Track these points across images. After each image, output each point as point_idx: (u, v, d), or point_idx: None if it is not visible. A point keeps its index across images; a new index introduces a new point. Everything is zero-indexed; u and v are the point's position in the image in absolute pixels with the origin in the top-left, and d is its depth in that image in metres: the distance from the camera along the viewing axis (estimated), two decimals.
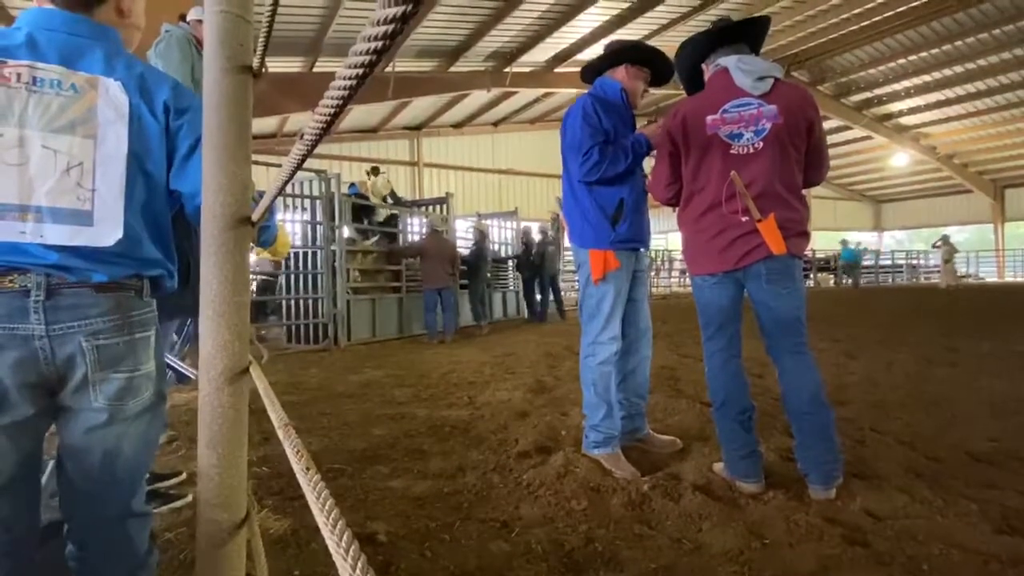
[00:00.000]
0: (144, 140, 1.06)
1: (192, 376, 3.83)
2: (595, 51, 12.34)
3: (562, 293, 10.25)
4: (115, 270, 1.04)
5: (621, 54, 2.44)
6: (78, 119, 0.99)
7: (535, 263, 9.43)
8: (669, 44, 12.52)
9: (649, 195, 2.45)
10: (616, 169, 2.27)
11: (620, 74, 2.44)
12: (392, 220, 9.08)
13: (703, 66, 2.21)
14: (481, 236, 8.81)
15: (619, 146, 2.29)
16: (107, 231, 1.02)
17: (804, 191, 2.12)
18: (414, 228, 9.42)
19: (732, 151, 2.03)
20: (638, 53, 2.46)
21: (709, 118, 2.06)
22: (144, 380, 1.08)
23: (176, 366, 3.85)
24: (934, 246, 16.90)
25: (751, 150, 2.01)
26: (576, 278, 2.99)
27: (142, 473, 1.13)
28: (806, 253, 2.17)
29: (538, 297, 9.72)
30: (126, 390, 1.04)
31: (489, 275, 8.74)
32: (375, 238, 8.18)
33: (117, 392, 1.03)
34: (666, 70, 2.50)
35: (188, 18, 3.48)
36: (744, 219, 1.98)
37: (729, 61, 2.07)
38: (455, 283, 7.61)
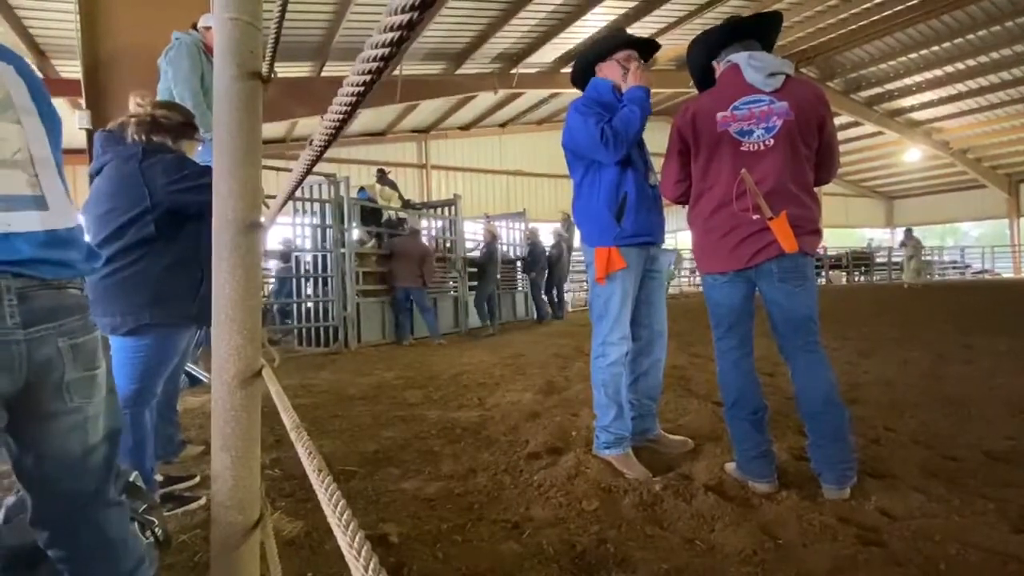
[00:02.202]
0: (45, 124, 1.06)
1: (205, 379, 3.88)
2: None
3: (565, 294, 10.31)
4: (75, 258, 1.04)
5: (599, 53, 2.42)
6: (1, 105, 0.99)
7: (550, 263, 9.46)
8: (676, 42, 12.50)
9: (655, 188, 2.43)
10: (634, 127, 2.21)
11: (607, 71, 2.41)
12: (401, 223, 9.11)
13: (714, 63, 2.20)
14: (492, 238, 8.81)
15: (621, 111, 2.25)
16: (62, 214, 1.03)
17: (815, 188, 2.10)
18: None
19: (742, 148, 2.01)
20: (612, 44, 2.42)
21: (719, 115, 2.04)
22: (103, 375, 1.10)
23: (190, 370, 3.90)
24: (901, 244, 16.20)
25: (762, 147, 1.99)
26: (585, 278, 2.95)
27: (112, 463, 1.14)
28: (817, 251, 2.14)
29: (544, 297, 9.76)
30: (94, 387, 1.07)
31: (499, 277, 8.71)
32: (371, 242, 8.21)
33: (87, 390, 1.05)
34: (649, 43, 2.45)
35: (199, 25, 3.53)
36: (755, 217, 1.97)
37: (740, 57, 2.06)
38: (424, 285, 7.58)
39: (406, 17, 0.31)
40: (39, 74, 1.12)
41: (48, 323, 0.98)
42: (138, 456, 1.95)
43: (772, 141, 1.98)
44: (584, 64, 2.48)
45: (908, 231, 15.70)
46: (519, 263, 10.55)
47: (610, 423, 2.32)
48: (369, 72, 0.40)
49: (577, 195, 2.43)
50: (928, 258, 21.73)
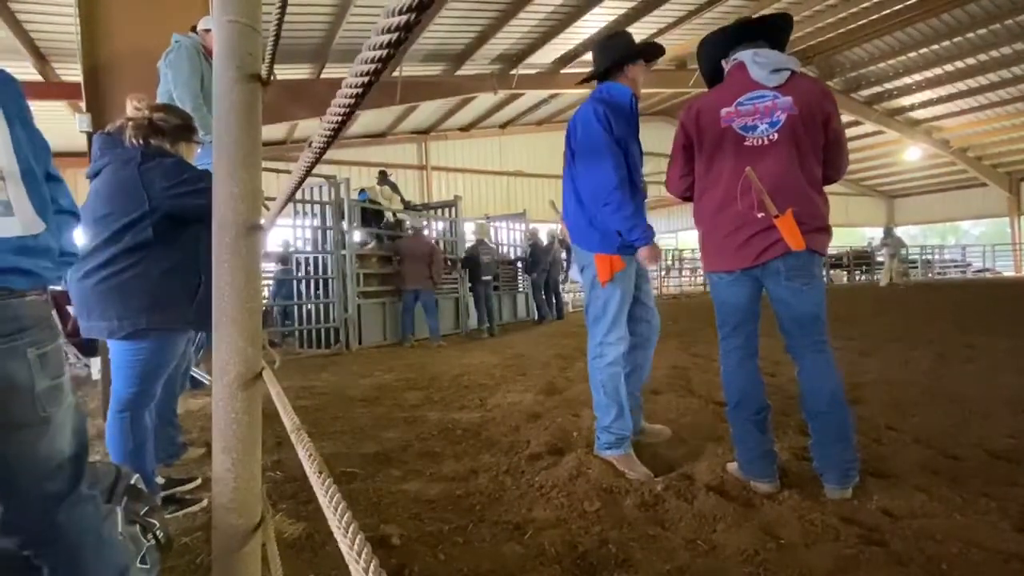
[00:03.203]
0: (10, 128, 1.03)
1: (207, 382, 3.88)
2: None
3: (564, 295, 10.32)
4: (45, 266, 1.03)
5: (625, 58, 2.39)
6: None
7: (550, 264, 9.47)
8: (675, 43, 12.50)
9: (646, 199, 2.47)
10: (609, 221, 2.24)
11: (626, 77, 2.39)
12: (399, 224, 9.13)
13: (723, 63, 2.20)
14: (477, 239, 8.80)
15: (634, 208, 2.23)
16: (28, 220, 1.02)
17: None
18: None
19: (746, 143, 2.00)
20: (637, 51, 2.41)
21: (724, 111, 2.04)
22: (68, 381, 1.09)
23: (191, 372, 3.90)
24: (883, 243, 14.89)
25: (766, 142, 1.98)
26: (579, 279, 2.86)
27: (82, 463, 1.13)
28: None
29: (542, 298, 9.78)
30: (61, 394, 1.06)
31: (488, 278, 8.66)
32: (371, 243, 8.22)
33: (55, 398, 1.04)
34: (658, 50, 2.48)
35: (198, 28, 3.53)
36: (760, 215, 1.95)
37: (745, 55, 2.06)
38: (435, 285, 7.59)
39: (403, 19, 0.31)
40: (11, 77, 1.09)
41: (17, 333, 0.97)
42: (139, 459, 1.95)
43: (776, 136, 1.97)
44: (623, 58, 2.39)
45: (887, 229, 14.76)
46: (518, 264, 10.55)
47: (611, 423, 2.32)
48: (367, 74, 0.40)
49: (575, 197, 2.38)
50: (929, 257, 21.72)
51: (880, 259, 18.35)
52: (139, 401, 1.98)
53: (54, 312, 1.08)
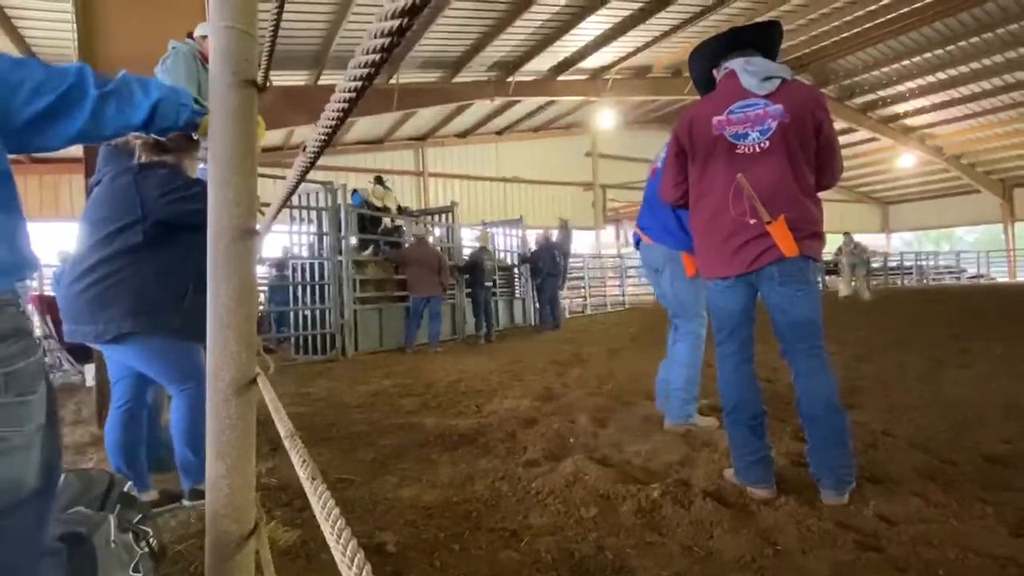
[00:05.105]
0: None
1: None
2: (598, 59, 12.43)
3: (561, 301, 10.33)
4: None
5: None
6: None
7: (556, 269, 9.48)
8: (672, 50, 12.57)
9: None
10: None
11: None
12: (397, 229, 9.13)
13: (714, 72, 2.22)
14: (480, 246, 8.83)
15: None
16: None
17: None
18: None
19: (738, 151, 2.02)
20: None
21: (715, 119, 2.06)
22: (40, 402, 0.93)
23: None
24: (850, 252, 13.15)
25: (757, 149, 2.00)
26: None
27: (48, 505, 0.98)
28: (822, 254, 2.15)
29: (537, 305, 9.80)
30: (27, 414, 0.90)
31: (489, 285, 8.66)
32: (369, 250, 8.21)
33: (15, 417, 0.88)
34: None
35: (194, 35, 3.54)
36: (752, 221, 1.97)
37: (736, 63, 2.08)
38: (444, 291, 7.63)
39: (396, 23, 0.31)
40: None
41: None
42: (199, 444, 2.01)
43: (767, 143, 1.98)
44: None
45: (847, 235, 13.45)
46: (515, 269, 10.54)
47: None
48: (361, 78, 0.40)
49: (663, 205, 2.63)
50: (923, 263, 21.76)
51: (876, 263, 17.21)
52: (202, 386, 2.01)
53: (36, 319, 1.00)
